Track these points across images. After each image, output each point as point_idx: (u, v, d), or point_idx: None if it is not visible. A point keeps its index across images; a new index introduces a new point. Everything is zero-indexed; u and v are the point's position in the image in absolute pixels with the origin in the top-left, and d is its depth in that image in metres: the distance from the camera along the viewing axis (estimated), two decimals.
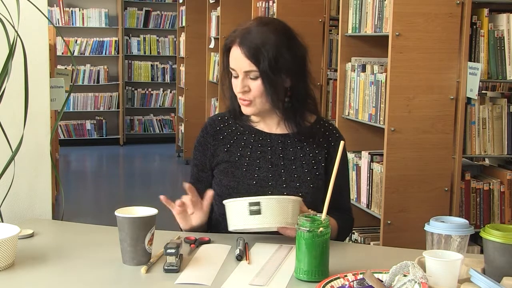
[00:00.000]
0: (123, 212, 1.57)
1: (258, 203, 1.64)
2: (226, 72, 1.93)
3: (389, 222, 2.92)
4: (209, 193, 1.81)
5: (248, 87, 1.86)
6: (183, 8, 7.67)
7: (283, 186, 1.89)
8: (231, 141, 1.97)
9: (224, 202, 1.72)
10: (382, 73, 3.06)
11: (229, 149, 1.96)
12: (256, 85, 1.85)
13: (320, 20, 4.26)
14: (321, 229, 1.46)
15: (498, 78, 2.96)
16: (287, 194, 1.86)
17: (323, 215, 1.52)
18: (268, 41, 1.83)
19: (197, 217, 1.82)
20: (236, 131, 1.98)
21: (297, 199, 1.71)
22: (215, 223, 1.95)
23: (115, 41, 8.86)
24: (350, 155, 3.30)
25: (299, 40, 1.92)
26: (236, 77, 1.88)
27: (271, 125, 1.98)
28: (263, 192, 1.88)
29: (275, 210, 1.64)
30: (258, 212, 1.63)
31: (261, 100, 1.88)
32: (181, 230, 1.89)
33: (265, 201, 1.64)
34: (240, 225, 1.66)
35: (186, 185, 1.79)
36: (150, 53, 9.15)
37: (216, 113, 6.49)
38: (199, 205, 1.80)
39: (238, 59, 1.85)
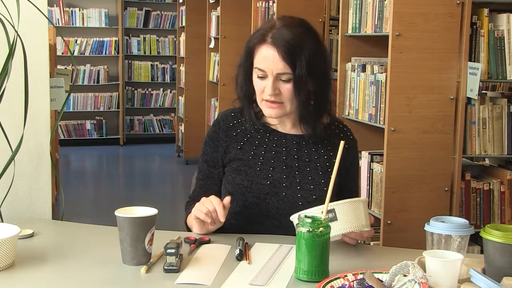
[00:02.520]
0: (123, 212, 1.57)
1: (332, 210, 1.61)
2: (245, 72, 1.88)
3: (389, 222, 2.92)
4: (227, 200, 1.75)
5: (278, 90, 1.82)
6: (183, 8, 7.67)
7: (297, 188, 1.87)
8: (245, 139, 1.93)
9: (292, 217, 1.67)
10: (382, 73, 3.06)
11: (243, 147, 1.92)
12: (287, 89, 1.81)
13: (320, 20, 4.26)
14: (321, 229, 1.46)
15: (498, 78, 2.96)
16: (301, 197, 1.86)
17: (323, 215, 1.51)
18: (305, 45, 1.79)
19: (214, 226, 1.78)
20: (249, 129, 1.94)
21: (365, 199, 1.69)
22: (227, 222, 1.89)
23: (115, 41, 8.86)
24: None
25: (324, 43, 1.90)
26: (263, 78, 1.83)
27: (286, 125, 1.94)
28: (276, 193, 1.86)
29: (350, 214, 1.62)
30: (334, 219, 1.60)
31: (289, 103, 1.83)
32: (187, 230, 1.88)
33: (339, 206, 1.62)
34: None
35: (227, 199, 1.75)
36: (150, 53, 9.15)
37: (216, 113, 6.49)
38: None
39: (272, 60, 1.79)
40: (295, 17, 1.91)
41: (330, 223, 1.56)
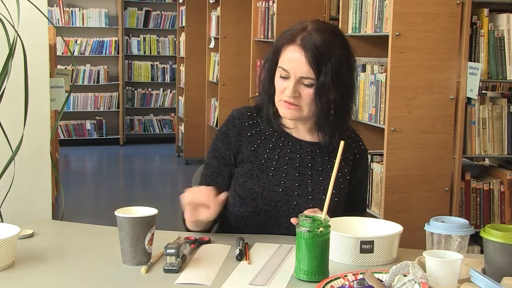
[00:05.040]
0: (123, 212, 1.57)
1: (371, 242, 1.58)
2: (269, 69, 1.85)
3: None
4: (222, 197, 1.69)
5: (298, 93, 1.78)
6: (183, 8, 7.67)
7: (309, 198, 1.85)
8: (258, 141, 1.89)
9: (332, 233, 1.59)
10: (382, 73, 3.06)
11: (256, 149, 1.88)
12: (308, 93, 1.78)
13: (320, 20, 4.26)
14: (321, 229, 1.46)
15: (498, 78, 2.96)
16: (312, 206, 1.82)
17: (323, 215, 1.51)
18: (334, 53, 1.76)
19: (205, 214, 1.70)
20: (264, 131, 1.90)
21: (401, 229, 1.66)
22: (229, 223, 1.90)
23: (115, 41, 8.86)
24: None
25: (353, 54, 1.86)
26: (285, 78, 1.80)
27: (302, 131, 1.90)
28: (287, 201, 1.83)
29: (386, 247, 1.60)
30: (370, 250, 1.58)
31: (307, 108, 1.80)
32: (185, 229, 1.87)
33: (378, 240, 1.58)
34: (347, 261, 1.59)
35: (222, 196, 1.69)
36: (150, 53, 9.15)
37: (216, 113, 6.49)
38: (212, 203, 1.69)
39: (298, 62, 1.76)
40: (328, 23, 1.88)
41: (363, 253, 1.56)
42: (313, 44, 1.75)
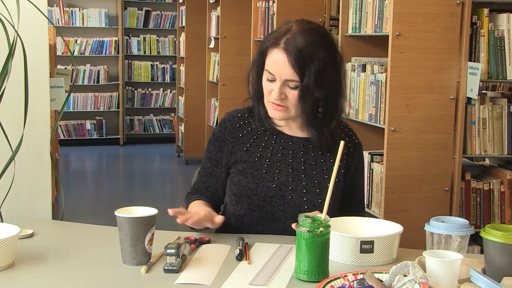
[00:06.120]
0: (123, 212, 1.57)
1: (371, 242, 1.58)
2: (257, 71, 1.88)
3: None
4: (219, 221, 1.78)
5: (285, 95, 1.82)
6: (183, 8, 7.67)
7: (303, 192, 1.87)
8: (251, 140, 1.93)
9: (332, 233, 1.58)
10: (382, 73, 3.06)
11: (249, 148, 1.92)
12: (293, 95, 1.81)
13: (320, 20, 4.26)
14: (321, 229, 1.46)
15: (498, 78, 2.96)
16: (307, 200, 1.86)
17: (323, 215, 1.51)
18: (317, 55, 1.78)
19: (209, 224, 1.80)
20: (256, 130, 1.94)
21: (402, 229, 1.66)
22: (227, 222, 1.91)
23: (115, 41, 8.86)
24: None
25: (340, 52, 1.87)
26: (272, 81, 1.82)
27: (293, 128, 1.94)
28: (282, 196, 1.86)
29: (386, 247, 1.59)
30: (370, 251, 1.58)
31: (294, 109, 1.83)
32: (192, 229, 1.88)
33: (378, 241, 1.58)
34: (347, 261, 1.59)
35: (220, 219, 1.78)
36: (150, 53, 9.15)
37: (216, 112, 6.49)
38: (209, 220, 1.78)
39: (281, 65, 1.79)
40: (314, 23, 1.88)
41: (363, 253, 1.56)
42: (296, 47, 1.77)
